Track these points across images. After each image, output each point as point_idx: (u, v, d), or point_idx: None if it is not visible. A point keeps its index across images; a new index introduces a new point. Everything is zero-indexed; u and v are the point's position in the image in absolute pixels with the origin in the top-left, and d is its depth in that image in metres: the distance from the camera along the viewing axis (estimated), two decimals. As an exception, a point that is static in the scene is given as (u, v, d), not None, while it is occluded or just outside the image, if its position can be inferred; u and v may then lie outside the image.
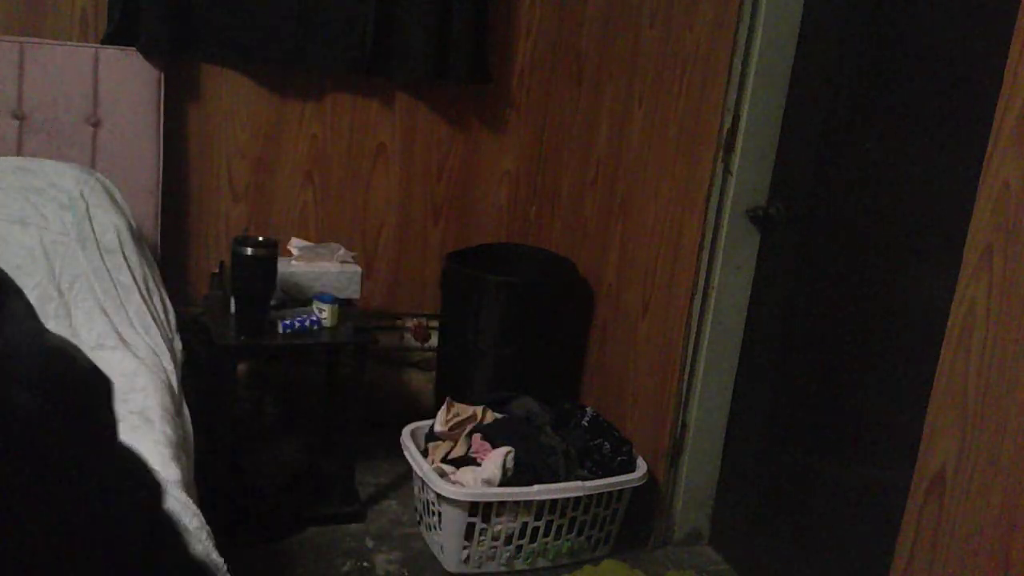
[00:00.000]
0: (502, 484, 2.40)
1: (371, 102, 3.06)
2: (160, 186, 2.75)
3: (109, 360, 2.03)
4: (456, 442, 2.58)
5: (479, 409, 2.63)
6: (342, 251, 2.77)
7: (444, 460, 2.53)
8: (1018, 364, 1.58)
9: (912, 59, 2.06)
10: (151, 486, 0.61)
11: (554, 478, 2.44)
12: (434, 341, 3.27)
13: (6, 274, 0.53)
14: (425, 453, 2.59)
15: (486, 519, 2.41)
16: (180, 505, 1.57)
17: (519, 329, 2.93)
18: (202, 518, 1.60)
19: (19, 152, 2.58)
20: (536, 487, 2.41)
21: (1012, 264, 1.59)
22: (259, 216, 3.04)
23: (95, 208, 2.36)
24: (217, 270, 2.73)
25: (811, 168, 2.35)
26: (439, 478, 2.41)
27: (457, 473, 2.46)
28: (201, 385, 2.56)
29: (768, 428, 2.50)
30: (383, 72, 2.96)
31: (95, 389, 0.56)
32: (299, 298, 2.65)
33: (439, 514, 2.42)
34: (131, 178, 2.68)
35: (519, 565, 2.50)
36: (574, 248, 3.14)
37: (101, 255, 2.28)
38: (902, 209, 2.08)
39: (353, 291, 2.73)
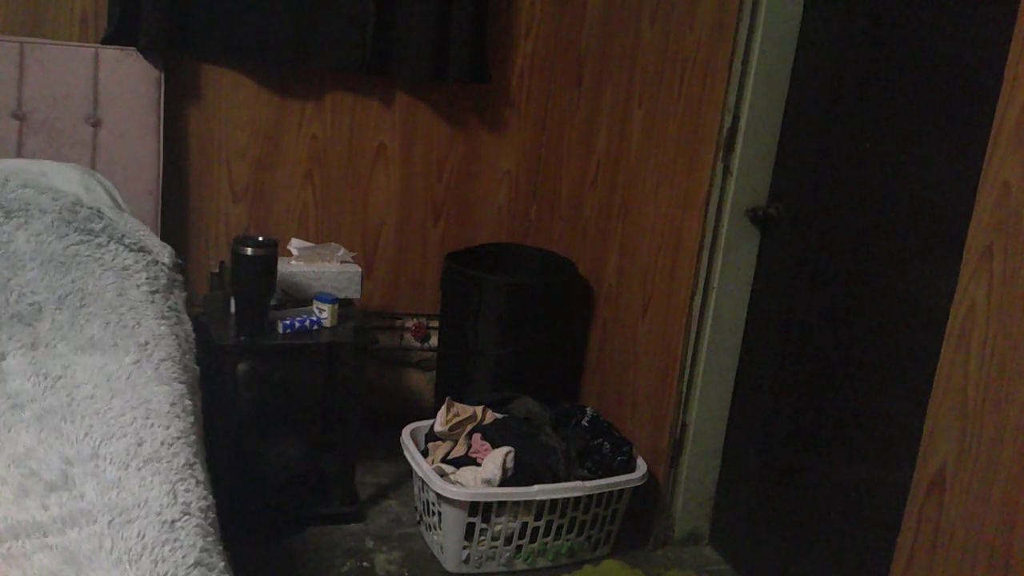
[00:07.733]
0: (502, 484, 2.40)
1: (371, 102, 3.06)
2: (160, 186, 2.75)
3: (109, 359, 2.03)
4: (456, 442, 2.58)
5: (479, 409, 2.63)
6: (342, 251, 2.77)
7: (444, 460, 2.53)
8: (1018, 364, 1.58)
9: (912, 59, 2.06)
10: None
11: (554, 478, 2.45)
12: (434, 341, 3.27)
13: None
14: (425, 453, 2.59)
15: (486, 519, 2.41)
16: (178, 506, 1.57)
17: (519, 329, 2.93)
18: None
19: (19, 152, 2.58)
20: (536, 487, 2.41)
21: (1012, 264, 1.60)
22: (259, 216, 3.04)
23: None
24: (217, 270, 2.73)
25: (811, 168, 2.35)
26: (439, 478, 2.41)
27: (457, 473, 2.46)
28: (201, 385, 2.55)
29: (768, 428, 2.50)
30: (383, 72, 2.96)
31: None
32: (299, 298, 2.65)
33: (439, 514, 2.43)
34: (131, 178, 2.68)
35: (519, 565, 2.50)
36: (574, 248, 3.14)
37: (101, 255, 2.28)
38: (902, 209, 2.08)
39: (353, 291, 2.73)
